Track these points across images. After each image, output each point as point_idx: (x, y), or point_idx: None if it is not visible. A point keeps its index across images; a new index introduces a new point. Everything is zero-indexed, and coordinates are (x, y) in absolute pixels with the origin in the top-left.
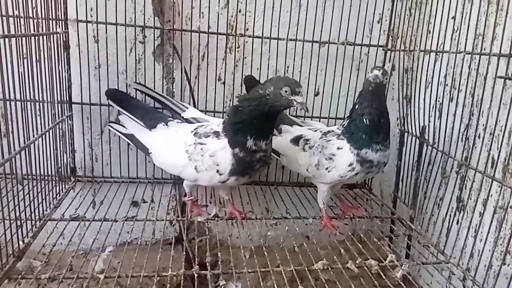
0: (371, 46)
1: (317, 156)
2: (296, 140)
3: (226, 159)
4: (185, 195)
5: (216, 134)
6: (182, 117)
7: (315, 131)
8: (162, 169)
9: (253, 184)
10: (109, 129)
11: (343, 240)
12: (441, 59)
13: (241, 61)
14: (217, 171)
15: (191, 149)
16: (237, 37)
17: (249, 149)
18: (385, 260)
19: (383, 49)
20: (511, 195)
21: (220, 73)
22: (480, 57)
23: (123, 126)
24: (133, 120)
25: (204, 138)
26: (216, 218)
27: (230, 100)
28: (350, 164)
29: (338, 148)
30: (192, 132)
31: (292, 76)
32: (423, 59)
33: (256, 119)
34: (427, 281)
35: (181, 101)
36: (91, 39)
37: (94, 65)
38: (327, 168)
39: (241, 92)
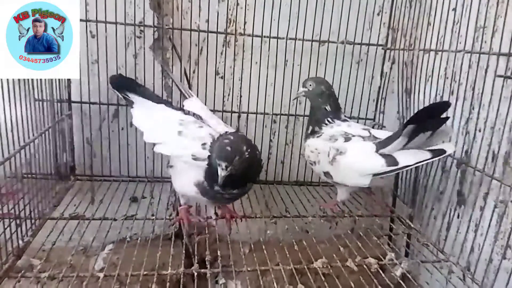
0: (370, 45)
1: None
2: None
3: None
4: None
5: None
6: (183, 106)
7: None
8: (161, 168)
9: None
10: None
11: (343, 238)
12: (441, 54)
13: (240, 55)
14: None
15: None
16: (236, 36)
17: (216, 191)
18: (385, 258)
19: (382, 48)
20: (510, 192)
21: (218, 68)
22: (479, 55)
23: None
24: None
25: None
26: (216, 217)
27: (229, 95)
28: None
29: None
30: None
31: (292, 72)
32: (423, 55)
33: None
34: (426, 279)
35: (180, 96)
36: (88, 34)
37: (91, 61)
38: None
39: (240, 88)
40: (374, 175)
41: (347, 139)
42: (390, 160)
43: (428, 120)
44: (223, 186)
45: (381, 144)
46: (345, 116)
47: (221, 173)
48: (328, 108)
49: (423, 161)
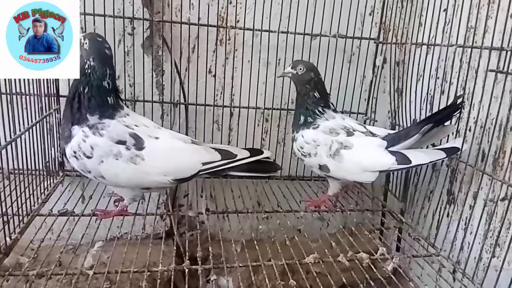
0: (362, 39)
1: None
2: None
3: None
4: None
5: None
6: None
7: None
8: None
9: (244, 178)
10: None
11: (334, 233)
12: (433, 52)
13: (232, 53)
14: None
15: None
16: (227, 29)
17: None
18: (376, 253)
19: (374, 42)
20: (501, 188)
21: (210, 66)
22: (471, 50)
23: None
24: None
25: None
26: (207, 213)
27: (221, 93)
28: None
29: None
30: None
31: (284, 69)
32: (415, 52)
33: None
34: (417, 273)
35: (171, 94)
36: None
37: None
38: None
39: (232, 85)
40: (381, 171)
41: (349, 133)
42: (401, 158)
43: (443, 119)
44: None
45: (392, 141)
46: (332, 105)
47: None
48: (317, 94)
49: (438, 159)
